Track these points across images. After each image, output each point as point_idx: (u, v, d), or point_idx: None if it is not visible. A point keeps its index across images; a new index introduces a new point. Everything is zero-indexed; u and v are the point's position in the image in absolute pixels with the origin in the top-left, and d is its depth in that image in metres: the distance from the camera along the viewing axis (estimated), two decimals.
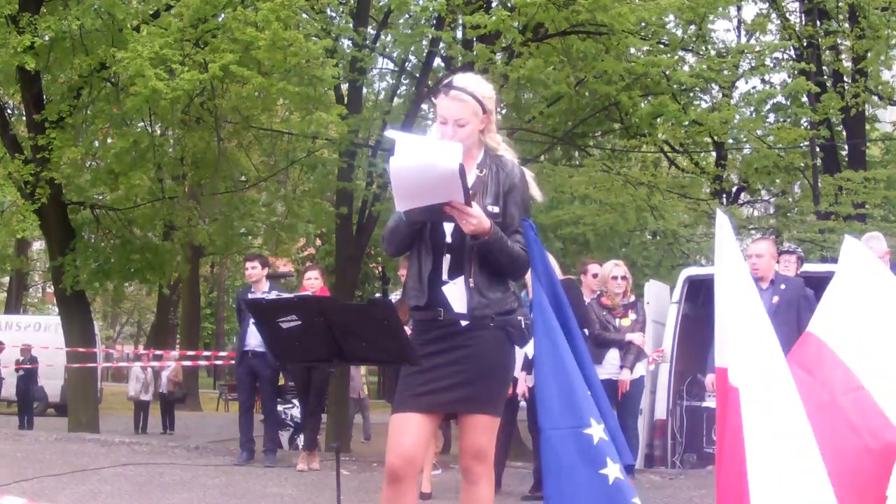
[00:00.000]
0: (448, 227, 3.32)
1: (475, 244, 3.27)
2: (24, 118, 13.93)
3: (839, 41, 15.61)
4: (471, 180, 3.36)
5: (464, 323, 3.31)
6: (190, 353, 22.98)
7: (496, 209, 3.33)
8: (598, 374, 6.97)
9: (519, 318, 3.39)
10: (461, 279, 3.32)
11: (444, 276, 3.34)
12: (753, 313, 3.60)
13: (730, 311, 3.61)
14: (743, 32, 18.57)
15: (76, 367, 13.68)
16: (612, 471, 3.50)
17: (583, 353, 3.70)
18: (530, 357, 6.02)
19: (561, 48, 13.40)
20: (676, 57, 14.38)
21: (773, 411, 3.42)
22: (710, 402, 8.85)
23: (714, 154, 18.54)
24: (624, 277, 7.50)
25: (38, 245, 29.11)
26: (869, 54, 14.97)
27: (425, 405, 3.32)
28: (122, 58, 10.70)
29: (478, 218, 3.20)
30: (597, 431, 3.52)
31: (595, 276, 7.80)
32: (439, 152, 3.16)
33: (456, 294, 3.32)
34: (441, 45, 13.22)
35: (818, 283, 5.28)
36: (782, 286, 6.68)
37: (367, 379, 21.08)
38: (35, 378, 18.03)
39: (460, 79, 3.43)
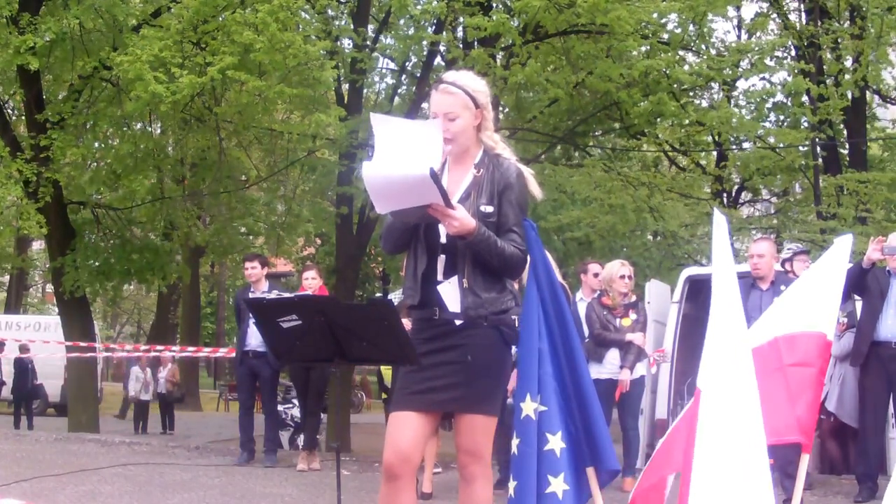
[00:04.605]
0: (444, 228, 3.31)
1: (461, 244, 3.27)
2: (25, 119, 13.91)
3: (840, 40, 15.56)
4: (467, 180, 3.37)
5: (458, 322, 3.31)
6: (190, 348, 23.03)
7: (490, 209, 3.32)
8: (599, 374, 7.08)
9: (513, 317, 3.39)
10: (455, 279, 3.33)
11: (440, 276, 3.35)
12: (730, 316, 3.62)
13: (713, 311, 3.64)
14: (743, 31, 18.53)
15: (76, 364, 13.66)
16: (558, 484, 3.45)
17: (578, 357, 3.61)
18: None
19: (561, 48, 13.37)
20: (677, 56, 14.34)
21: (726, 418, 3.46)
22: None
23: (715, 154, 18.52)
24: (630, 277, 7.50)
25: (38, 245, 29.09)
26: (869, 52, 14.93)
27: (421, 404, 3.34)
28: (121, 61, 10.68)
29: (459, 220, 3.18)
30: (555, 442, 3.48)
31: (596, 275, 7.81)
32: (412, 157, 3.12)
33: (450, 293, 3.32)
34: (442, 44, 13.20)
35: None
36: (782, 287, 6.63)
37: (354, 378, 21.02)
38: (32, 376, 17.81)
39: (451, 74, 3.46)
